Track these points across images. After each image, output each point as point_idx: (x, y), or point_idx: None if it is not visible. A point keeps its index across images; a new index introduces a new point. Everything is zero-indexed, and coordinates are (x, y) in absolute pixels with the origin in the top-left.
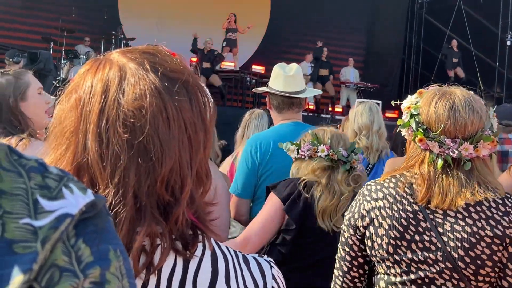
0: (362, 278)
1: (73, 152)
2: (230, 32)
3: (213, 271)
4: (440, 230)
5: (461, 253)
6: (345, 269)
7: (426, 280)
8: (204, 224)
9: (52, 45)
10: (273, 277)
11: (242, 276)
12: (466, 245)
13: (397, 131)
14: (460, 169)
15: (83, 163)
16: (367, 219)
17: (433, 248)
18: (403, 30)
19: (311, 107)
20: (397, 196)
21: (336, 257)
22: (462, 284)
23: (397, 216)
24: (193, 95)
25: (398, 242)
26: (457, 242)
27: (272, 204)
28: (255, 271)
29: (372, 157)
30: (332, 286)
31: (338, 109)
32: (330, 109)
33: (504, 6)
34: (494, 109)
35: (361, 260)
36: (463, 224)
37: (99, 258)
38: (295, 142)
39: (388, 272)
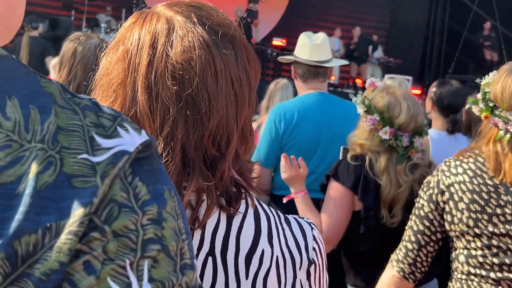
0: (434, 254)
1: (120, 104)
2: (252, 2)
3: (256, 228)
4: None
5: None
6: (423, 243)
7: (508, 252)
8: (247, 182)
9: (73, 13)
10: (314, 238)
11: (284, 235)
12: None
13: (466, 107)
14: None
15: (132, 115)
16: (447, 194)
17: (503, 218)
18: (427, 5)
19: (333, 78)
20: (477, 170)
21: (408, 230)
22: None
23: (478, 190)
24: (239, 50)
25: (479, 216)
26: None
27: (340, 196)
28: (296, 231)
29: None
30: (401, 258)
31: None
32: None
33: None
34: None
35: (439, 235)
36: None
37: (155, 197)
38: (365, 98)
39: (468, 246)
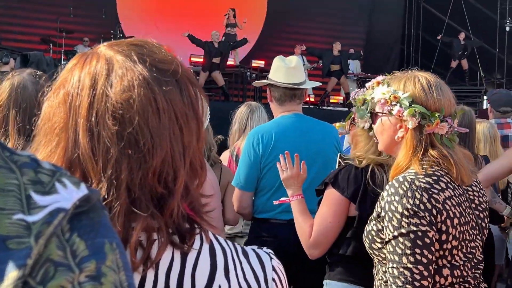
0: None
1: (63, 148)
2: (229, 27)
3: (212, 264)
4: (474, 205)
5: (485, 223)
6: (433, 272)
7: (474, 252)
8: (200, 217)
9: (51, 46)
10: (273, 269)
11: (242, 268)
12: (486, 213)
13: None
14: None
15: (75, 159)
16: (444, 212)
17: (474, 224)
18: (401, 19)
19: (312, 99)
20: (452, 182)
21: (416, 267)
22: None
23: (460, 201)
24: (183, 85)
25: (463, 228)
26: (481, 214)
27: (336, 203)
28: (254, 263)
29: None
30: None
31: (339, 97)
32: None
33: None
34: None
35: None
36: (482, 193)
37: (94, 252)
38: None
39: (452, 261)
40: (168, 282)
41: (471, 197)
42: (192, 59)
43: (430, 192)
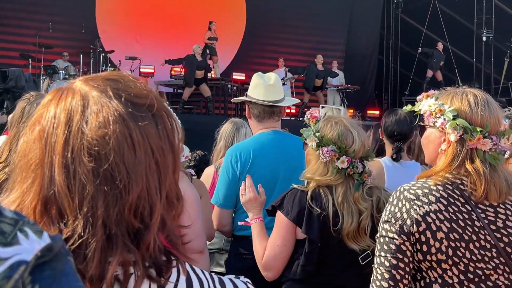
0: (408, 286)
1: (39, 185)
2: (211, 40)
3: None
4: (493, 227)
5: None
6: (398, 277)
7: (483, 277)
8: (177, 249)
9: (30, 62)
10: None
11: None
12: None
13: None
14: (499, 165)
15: (51, 195)
16: (423, 224)
17: (488, 245)
18: (378, 30)
19: (293, 111)
20: (449, 198)
21: (380, 268)
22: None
23: (455, 218)
24: (159, 118)
25: (458, 244)
26: (510, 237)
27: (282, 226)
28: None
29: None
30: None
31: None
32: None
33: (478, 2)
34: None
35: (411, 265)
36: None
37: None
38: (317, 131)
39: (443, 275)
40: None
41: (492, 218)
42: (173, 71)
43: (412, 203)
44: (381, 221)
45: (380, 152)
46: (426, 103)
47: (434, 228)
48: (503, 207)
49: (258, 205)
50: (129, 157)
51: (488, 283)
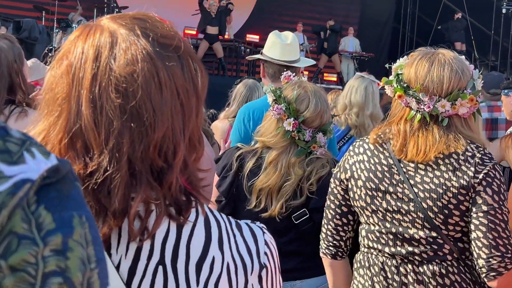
0: (345, 228)
1: (66, 118)
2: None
3: (206, 236)
4: (412, 182)
5: (430, 203)
6: (329, 216)
7: (400, 229)
8: (196, 190)
9: (44, 14)
10: (266, 243)
11: (235, 241)
12: (434, 196)
13: (380, 86)
14: (438, 125)
15: (77, 129)
16: (349, 172)
17: (406, 199)
18: None
19: (305, 76)
20: (375, 150)
21: (325, 210)
22: (433, 233)
23: (374, 169)
24: (185, 61)
25: (374, 193)
26: (426, 193)
27: (213, 181)
28: (248, 236)
29: (359, 136)
30: (321, 237)
31: (333, 78)
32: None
33: None
34: (480, 74)
35: (344, 209)
36: (432, 175)
37: (61, 225)
38: (277, 89)
39: (368, 221)
40: (163, 252)
41: (411, 173)
42: (187, 31)
43: (347, 154)
44: None
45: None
46: (397, 62)
47: (356, 176)
48: (424, 163)
49: None
50: (155, 96)
51: (406, 235)
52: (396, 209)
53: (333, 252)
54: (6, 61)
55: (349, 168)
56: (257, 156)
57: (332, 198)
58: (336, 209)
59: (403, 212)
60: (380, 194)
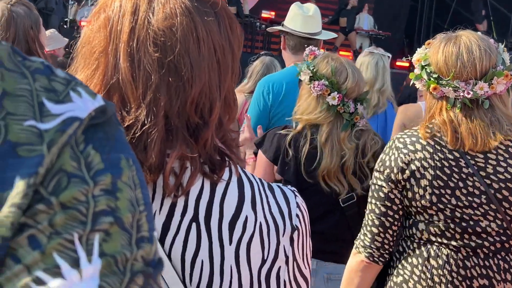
0: (398, 232)
1: (103, 72)
2: None
3: (240, 195)
4: (483, 173)
5: (506, 193)
6: (387, 224)
7: (471, 222)
8: (230, 150)
9: None
10: (298, 205)
11: (268, 202)
12: (510, 185)
13: (410, 84)
14: (481, 109)
15: (114, 83)
16: (407, 171)
17: (477, 192)
18: None
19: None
20: (436, 146)
21: (370, 215)
22: (505, 224)
23: (440, 165)
24: (221, 18)
25: (442, 191)
26: (501, 184)
27: (261, 164)
28: (280, 198)
29: (367, 112)
30: (368, 244)
31: (348, 55)
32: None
33: None
34: (504, 47)
35: (401, 213)
36: (505, 165)
37: (110, 166)
38: (311, 65)
39: (429, 219)
40: (197, 209)
41: (481, 164)
42: None
43: (399, 152)
44: (374, 169)
45: (413, 100)
46: (417, 53)
47: (418, 175)
48: (495, 152)
49: (253, 145)
50: (193, 51)
51: (477, 228)
52: (467, 204)
53: (387, 259)
54: (23, 26)
55: (406, 167)
56: (309, 137)
57: (388, 204)
58: (395, 215)
59: (475, 206)
60: (449, 191)
